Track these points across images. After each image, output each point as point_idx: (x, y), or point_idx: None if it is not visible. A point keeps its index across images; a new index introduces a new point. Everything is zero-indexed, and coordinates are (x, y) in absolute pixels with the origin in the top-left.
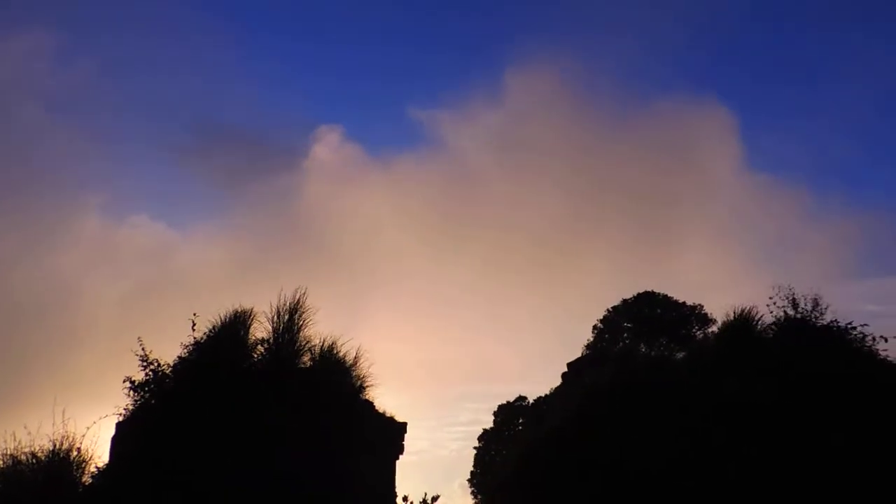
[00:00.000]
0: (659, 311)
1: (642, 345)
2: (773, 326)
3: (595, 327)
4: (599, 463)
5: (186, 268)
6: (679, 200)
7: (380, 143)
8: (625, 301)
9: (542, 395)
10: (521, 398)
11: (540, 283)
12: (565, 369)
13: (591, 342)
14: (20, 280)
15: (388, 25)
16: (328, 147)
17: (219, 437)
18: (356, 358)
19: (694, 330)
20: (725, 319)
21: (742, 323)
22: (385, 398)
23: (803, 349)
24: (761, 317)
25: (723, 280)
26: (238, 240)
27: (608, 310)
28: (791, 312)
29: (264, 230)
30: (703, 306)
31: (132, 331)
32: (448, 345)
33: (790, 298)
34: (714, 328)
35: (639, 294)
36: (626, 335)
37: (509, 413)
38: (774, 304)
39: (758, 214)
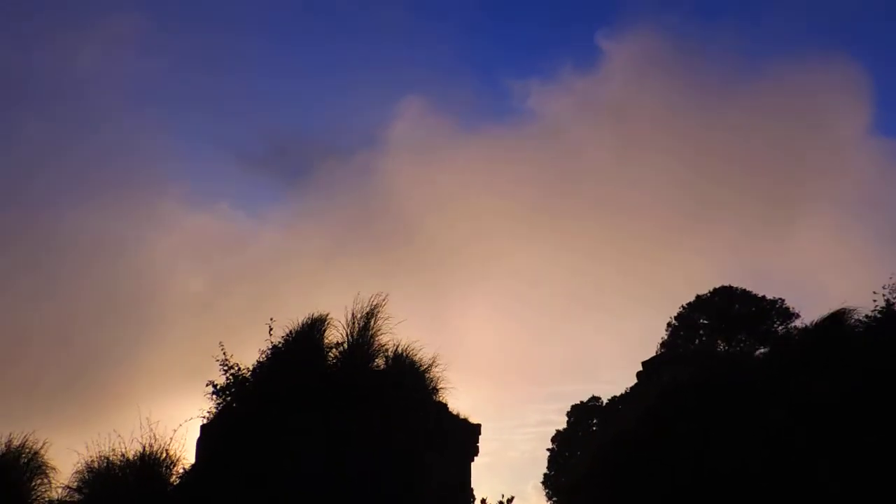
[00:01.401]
0: (737, 306)
1: (720, 342)
2: (867, 320)
3: (669, 324)
4: (674, 464)
5: (266, 257)
6: (799, 172)
7: (469, 115)
8: (699, 297)
9: (616, 395)
10: (595, 398)
11: (633, 269)
12: (640, 368)
13: (666, 340)
14: (109, 273)
15: None
16: (412, 120)
17: (296, 440)
18: (431, 360)
19: (775, 325)
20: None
21: (833, 317)
22: (458, 399)
23: None
24: (854, 310)
25: (844, 261)
26: (317, 225)
27: (683, 306)
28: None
29: (344, 213)
30: (784, 300)
31: (216, 325)
32: (520, 343)
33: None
34: (798, 323)
35: (715, 289)
36: (702, 332)
37: (583, 413)
38: (882, 295)
39: (889, 187)
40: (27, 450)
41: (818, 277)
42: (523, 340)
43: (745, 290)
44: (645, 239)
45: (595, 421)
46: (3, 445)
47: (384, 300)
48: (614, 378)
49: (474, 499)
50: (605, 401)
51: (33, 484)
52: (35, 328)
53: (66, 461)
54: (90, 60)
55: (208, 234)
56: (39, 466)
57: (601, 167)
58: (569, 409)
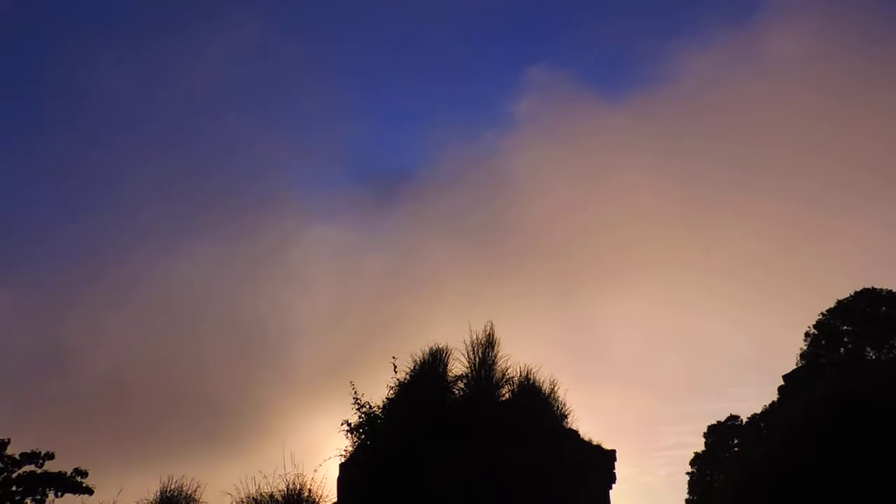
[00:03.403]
0: (884, 308)
1: (868, 349)
2: None
3: (808, 333)
4: (829, 485)
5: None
6: None
7: (607, 83)
8: (840, 302)
9: (756, 412)
10: (733, 417)
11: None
12: (780, 382)
13: (806, 350)
14: (237, 304)
15: None
16: (541, 90)
17: (433, 476)
18: (553, 385)
19: None
20: None
21: None
22: (589, 423)
23: None
24: None
25: None
26: (437, 235)
27: (822, 313)
28: None
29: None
30: None
31: (340, 355)
32: (648, 359)
33: None
34: None
35: (857, 292)
36: (846, 340)
37: (721, 433)
38: None
39: None
40: (184, 492)
41: None
42: (651, 358)
43: (890, 290)
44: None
45: (736, 441)
46: (159, 490)
47: (493, 327)
48: (746, 395)
49: None
50: (744, 419)
51: None
52: (179, 367)
53: (218, 502)
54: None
55: (322, 254)
56: None
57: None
58: (706, 430)
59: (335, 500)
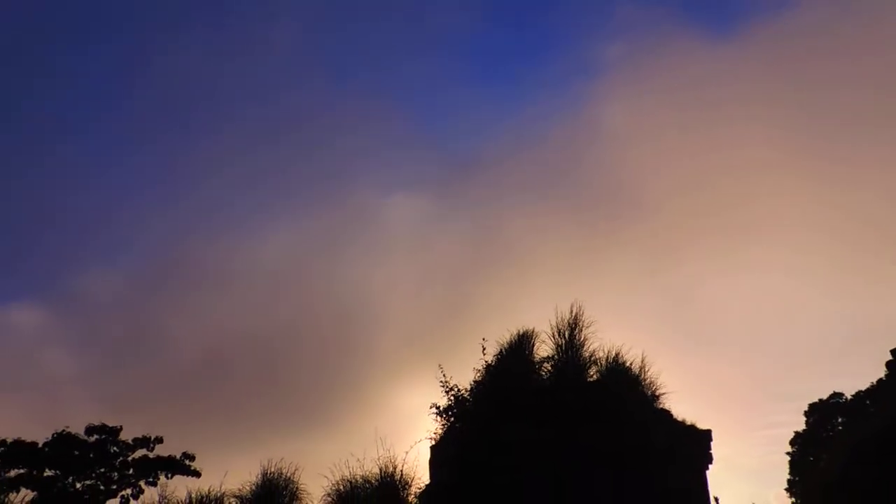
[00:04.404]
0: None
1: None
2: None
3: None
4: None
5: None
6: None
7: (709, 18)
8: None
9: (861, 388)
10: (837, 395)
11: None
12: (888, 357)
13: None
14: (318, 277)
15: None
16: (634, 30)
17: (522, 457)
18: (643, 365)
19: None
20: None
21: None
22: (682, 404)
23: None
24: None
25: None
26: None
27: None
28: None
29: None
30: None
31: (424, 332)
32: (743, 339)
33: None
34: None
35: None
36: None
37: (824, 412)
38: None
39: None
40: (283, 475)
41: None
42: (753, 329)
43: None
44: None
45: (840, 420)
46: (261, 473)
47: (582, 309)
48: (850, 370)
49: None
50: (848, 396)
51: None
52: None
53: (315, 484)
54: None
55: (404, 226)
56: (294, 491)
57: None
58: (806, 409)
59: (426, 481)
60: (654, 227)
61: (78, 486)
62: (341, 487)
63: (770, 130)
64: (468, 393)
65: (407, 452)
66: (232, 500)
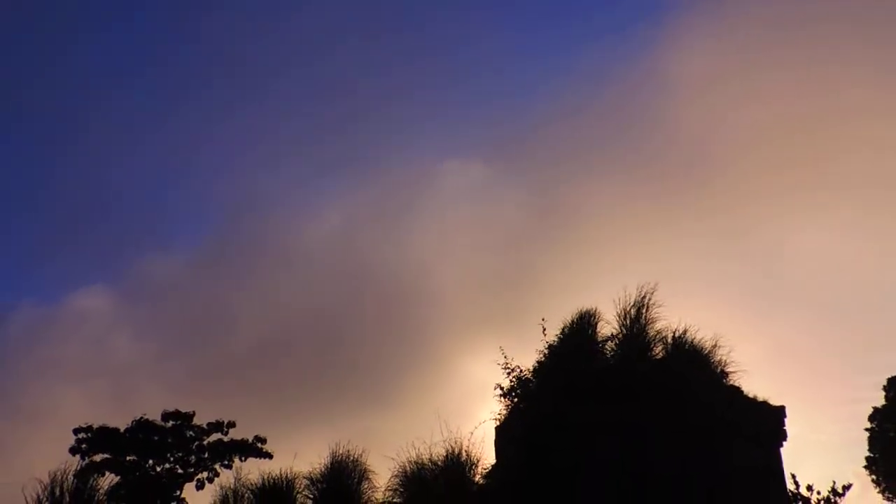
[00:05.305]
0: None
1: None
2: None
3: None
4: None
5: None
6: None
7: None
8: None
9: None
10: None
11: None
12: None
13: None
14: (377, 254)
15: None
16: None
17: (588, 436)
18: (713, 341)
19: None
20: None
21: None
22: (754, 380)
23: None
24: None
25: None
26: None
27: None
28: None
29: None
30: None
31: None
32: (825, 303)
33: None
34: None
35: None
36: None
37: None
38: None
39: None
40: (351, 457)
41: None
42: (833, 298)
43: None
44: None
45: None
46: (329, 455)
47: (653, 289)
48: None
49: (798, 485)
50: None
51: (362, 487)
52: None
53: (381, 466)
54: None
55: (458, 194)
56: (363, 472)
57: None
58: (885, 383)
59: (492, 461)
60: (733, 182)
61: (158, 469)
62: (408, 468)
63: (873, 73)
64: (531, 374)
65: (472, 433)
66: (304, 481)
